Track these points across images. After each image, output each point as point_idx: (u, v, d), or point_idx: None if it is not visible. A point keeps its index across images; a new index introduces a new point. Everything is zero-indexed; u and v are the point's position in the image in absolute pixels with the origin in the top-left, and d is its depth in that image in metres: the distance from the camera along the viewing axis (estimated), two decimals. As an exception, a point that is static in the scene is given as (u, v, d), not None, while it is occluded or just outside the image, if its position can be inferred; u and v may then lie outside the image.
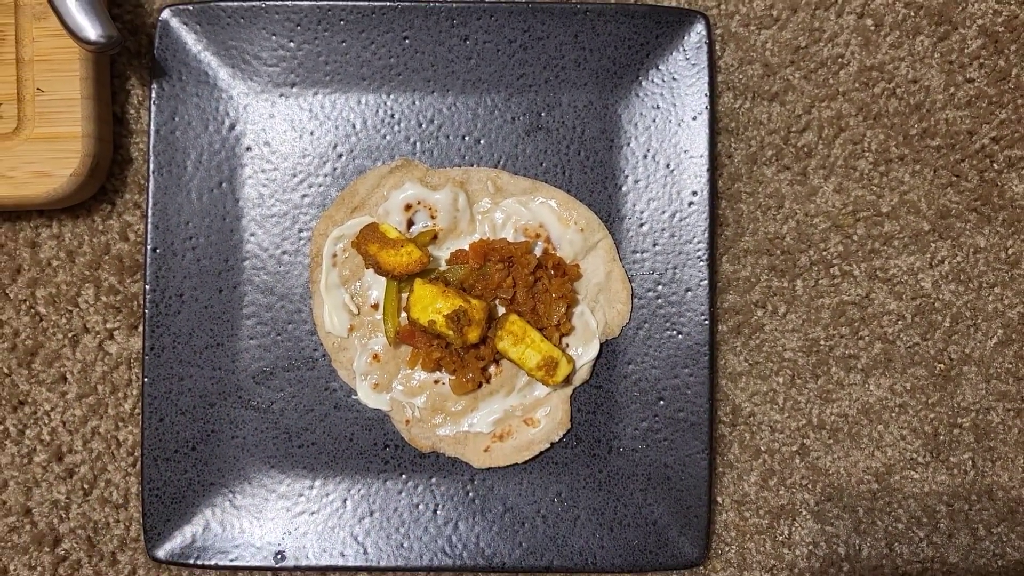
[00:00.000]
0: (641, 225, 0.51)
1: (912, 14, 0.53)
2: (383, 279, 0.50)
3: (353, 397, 0.51)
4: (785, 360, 0.53)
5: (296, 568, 0.50)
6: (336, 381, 0.51)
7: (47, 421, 0.52)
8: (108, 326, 0.52)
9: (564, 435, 0.51)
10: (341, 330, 0.51)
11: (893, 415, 0.52)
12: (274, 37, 0.51)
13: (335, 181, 0.51)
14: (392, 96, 0.51)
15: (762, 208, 0.53)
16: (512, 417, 0.51)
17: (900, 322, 0.53)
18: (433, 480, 0.51)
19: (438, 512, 0.51)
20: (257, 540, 0.50)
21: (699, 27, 0.50)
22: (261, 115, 0.51)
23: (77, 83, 0.50)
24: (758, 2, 0.53)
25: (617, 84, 0.51)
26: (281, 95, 0.51)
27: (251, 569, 0.50)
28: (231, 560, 0.50)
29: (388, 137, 0.51)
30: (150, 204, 0.50)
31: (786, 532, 0.52)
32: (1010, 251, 0.53)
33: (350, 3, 0.50)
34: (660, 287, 0.51)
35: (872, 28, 0.53)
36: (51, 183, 0.50)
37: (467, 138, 0.51)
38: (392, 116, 0.51)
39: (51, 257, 0.53)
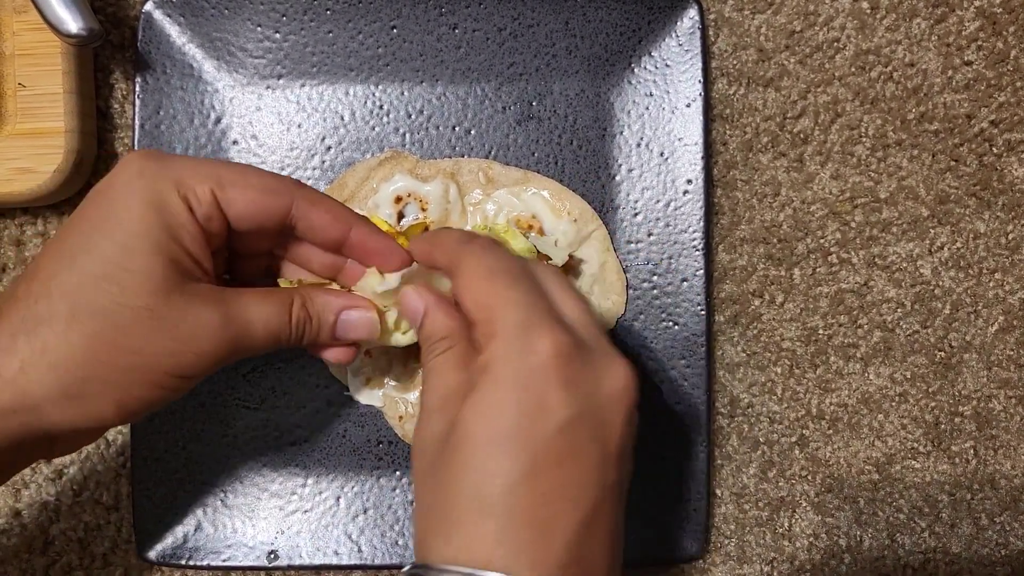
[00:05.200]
0: (635, 215, 0.50)
1: (908, -4, 0.52)
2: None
3: (345, 393, 0.50)
4: (783, 350, 0.52)
5: (290, 567, 0.49)
6: (327, 377, 0.50)
7: (35, 422, 0.51)
8: (95, 325, 0.51)
9: (560, 429, 0.50)
10: (332, 325, 0.50)
11: (893, 404, 0.52)
12: (259, 28, 0.50)
13: (324, 174, 0.50)
14: (380, 87, 0.50)
15: (758, 196, 0.52)
16: (507, 411, 0.50)
17: (899, 310, 0.52)
18: (427, 476, 0.50)
19: (433, 509, 0.50)
20: (250, 540, 0.50)
21: (692, 12, 0.49)
22: (247, 108, 0.50)
23: (59, 77, 0.49)
24: (752, -14, 0.52)
25: (609, 72, 0.50)
26: (268, 87, 0.50)
27: (244, 569, 0.50)
28: (224, 560, 0.49)
29: (377, 129, 0.51)
30: (136, 200, 0.50)
31: (786, 524, 0.52)
32: (1010, 236, 0.52)
33: (336, -8, 0.50)
34: (655, 277, 0.50)
35: (868, 11, 0.52)
36: (35, 179, 0.49)
37: (457, 128, 0.51)
38: (381, 107, 0.51)
39: (30, 256, 0.52)
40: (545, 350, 0.32)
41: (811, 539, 0.52)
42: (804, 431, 0.52)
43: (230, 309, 0.36)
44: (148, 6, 0.49)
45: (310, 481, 0.50)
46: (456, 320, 0.37)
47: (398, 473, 0.50)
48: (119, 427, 0.51)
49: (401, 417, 0.50)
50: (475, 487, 0.32)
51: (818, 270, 0.52)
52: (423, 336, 0.38)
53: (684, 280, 0.50)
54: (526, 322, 0.33)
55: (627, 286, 0.50)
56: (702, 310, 0.49)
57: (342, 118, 0.51)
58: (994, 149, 0.52)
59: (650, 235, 0.50)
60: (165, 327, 0.34)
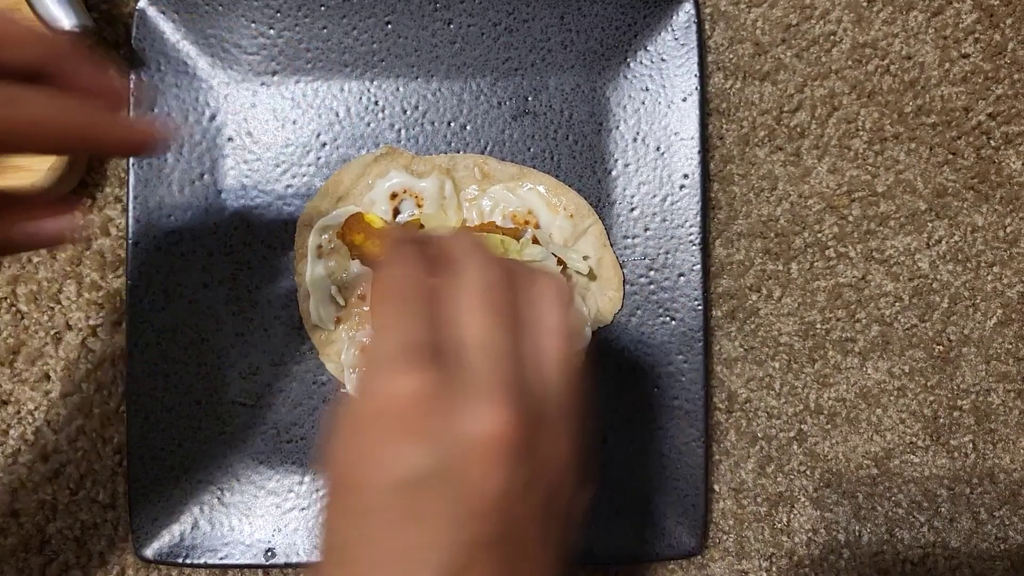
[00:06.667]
0: (632, 210, 0.50)
1: (905, -11, 0.52)
2: (370, 270, 0.49)
3: (342, 391, 0.50)
4: (781, 345, 0.52)
5: (287, 565, 0.49)
6: (324, 375, 0.50)
7: (31, 420, 0.51)
8: (91, 323, 0.51)
9: (557, 425, 0.50)
10: (328, 323, 0.50)
11: (892, 398, 0.52)
12: (254, 24, 0.50)
13: (319, 171, 0.50)
14: (375, 83, 0.50)
15: (755, 190, 0.52)
16: (504, 408, 0.50)
17: (897, 304, 0.52)
18: (425, 473, 0.50)
19: (430, 506, 0.50)
20: (247, 537, 0.49)
21: (687, 6, 0.49)
22: (242, 104, 0.50)
23: (53, 75, 0.49)
24: (748, -20, 0.52)
25: (605, 66, 0.50)
26: (262, 84, 0.50)
27: (241, 567, 0.50)
28: (221, 558, 0.49)
29: (372, 125, 0.50)
30: (131, 197, 0.49)
31: (785, 519, 0.52)
32: (1008, 229, 0.52)
33: (330, -12, 0.49)
34: (652, 272, 0.50)
35: (864, 4, 0.52)
36: (29, 177, 0.49)
37: (453, 124, 0.50)
38: (376, 103, 0.50)
39: (31, 253, 0.52)
40: (384, 395, 0.28)
41: (810, 534, 0.52)
42: (802, 426, 0.52)
43: None
44: (142, 3, 0.49)
45: (307, 479, 0.50)
46: None
47: (395, 470, 0.50)
48: (115, 425, 0.51)
49: (398, 414, 0.50)
50: (319, 549, 0.30)
51: (816, 264, 0.52)
52: None
53: (681, 275, 0.50)
54: (383, 358, 0.29)
55: (624, 281, 0.50)
56: (699, 305, 0.49)
57: (337, 114, 0.50)
58: (992, 142, 0.52)
59: (647, 230, 0.50)
60: None
